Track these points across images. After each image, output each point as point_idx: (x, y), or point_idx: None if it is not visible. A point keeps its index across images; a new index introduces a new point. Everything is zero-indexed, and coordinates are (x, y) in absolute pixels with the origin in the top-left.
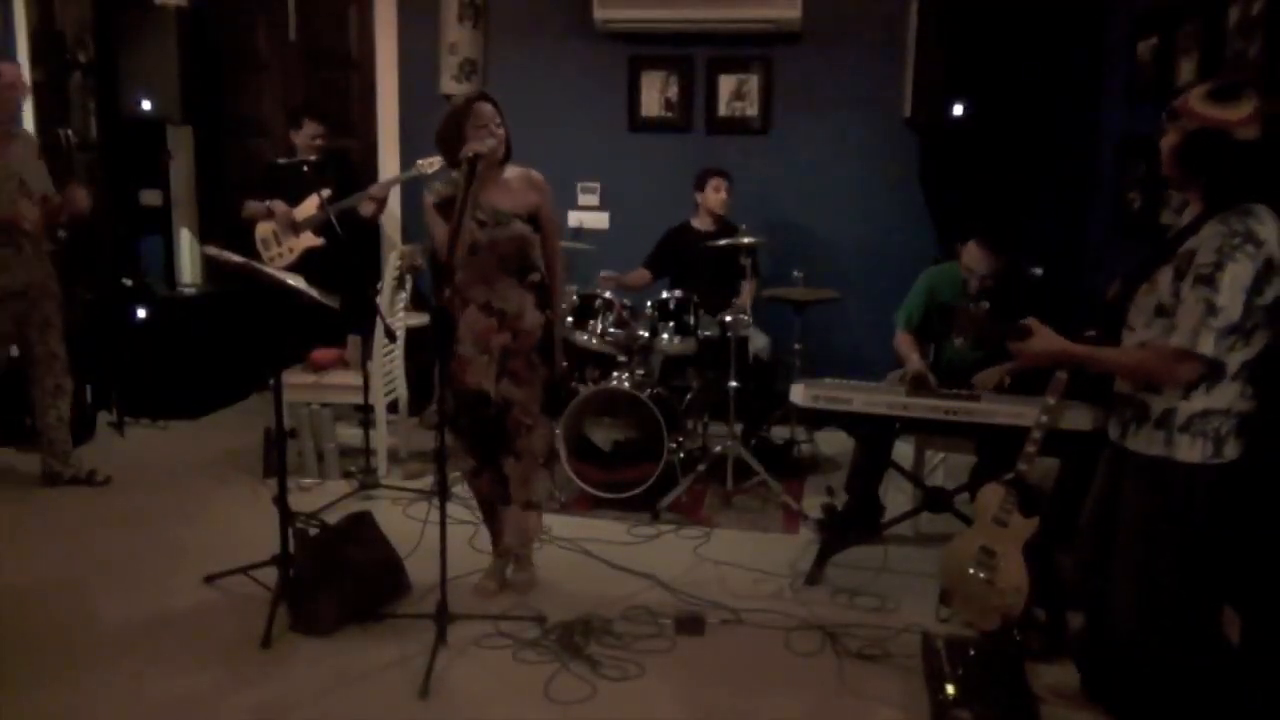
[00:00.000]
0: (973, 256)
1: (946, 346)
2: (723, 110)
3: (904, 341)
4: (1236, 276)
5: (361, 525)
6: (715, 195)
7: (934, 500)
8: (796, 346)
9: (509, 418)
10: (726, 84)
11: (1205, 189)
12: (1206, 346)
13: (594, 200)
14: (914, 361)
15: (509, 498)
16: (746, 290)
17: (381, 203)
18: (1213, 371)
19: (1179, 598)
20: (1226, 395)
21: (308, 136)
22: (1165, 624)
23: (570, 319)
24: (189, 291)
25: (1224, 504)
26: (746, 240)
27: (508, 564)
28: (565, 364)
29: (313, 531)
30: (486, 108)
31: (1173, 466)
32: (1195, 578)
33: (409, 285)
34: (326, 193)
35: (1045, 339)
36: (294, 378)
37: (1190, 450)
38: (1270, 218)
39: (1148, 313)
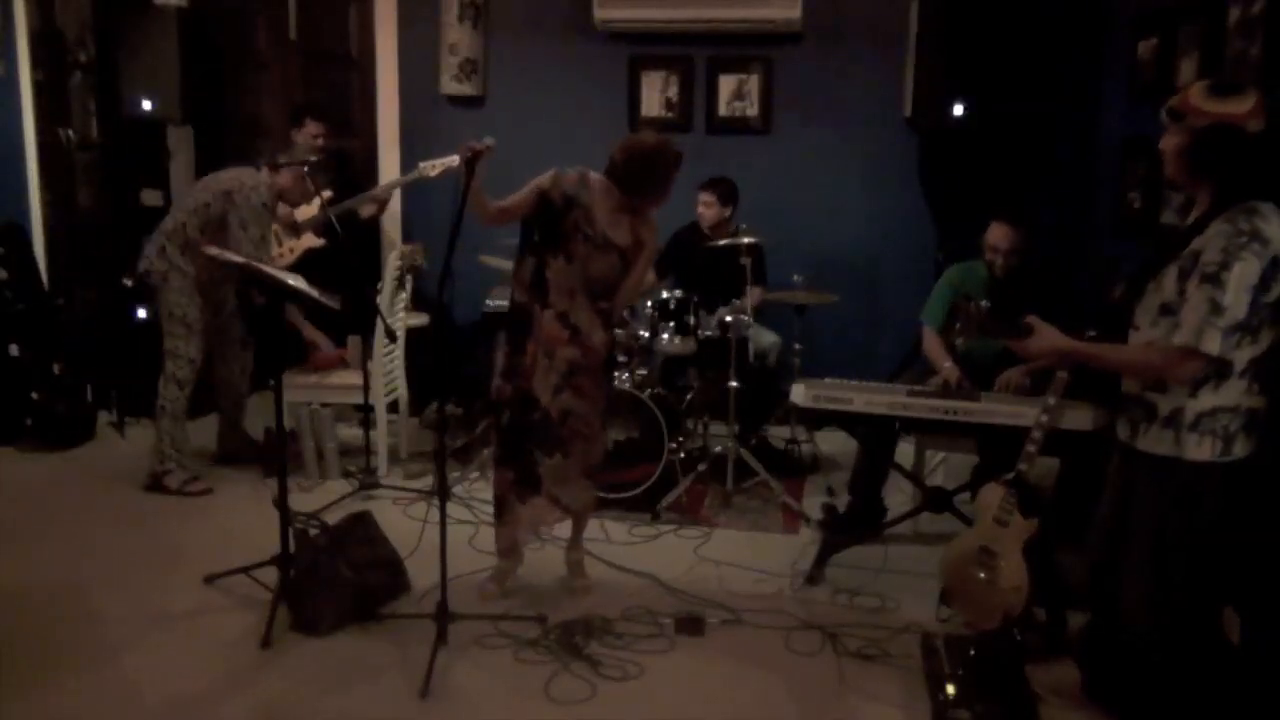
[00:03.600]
0: (995, 234)
1: (966, 341)
2: (723, 110)
3: (932, 342)
4: (1243, 276)
5: (361, 525)
6: (699, 210)
7: (934, 500)
8: (797, 347)
9: (565, 426)
10: (726, 84)
11: (1216, 185)
12: (1212, 345)
13: None
14: (947, 368)
15: (538, 489)
16: (753, 295)
17: (383, 204)
18: (1219, 369)
19: (1189, 597)
20: (1234, 392)
21: (309, 135)
22: (1175, 623)
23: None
24: None
25: (1235, 502)
26: (746, 240)
27: (515, 568)
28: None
29: (313, 531)
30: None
31: (1182, 466)
32: (1205, 576)
33: (409, 285)
34: (327, 194)
35: (1047, 337)
36: (294, 378)
37: (1199, 449)
38: (1276, 215)
39: (1153, 312)
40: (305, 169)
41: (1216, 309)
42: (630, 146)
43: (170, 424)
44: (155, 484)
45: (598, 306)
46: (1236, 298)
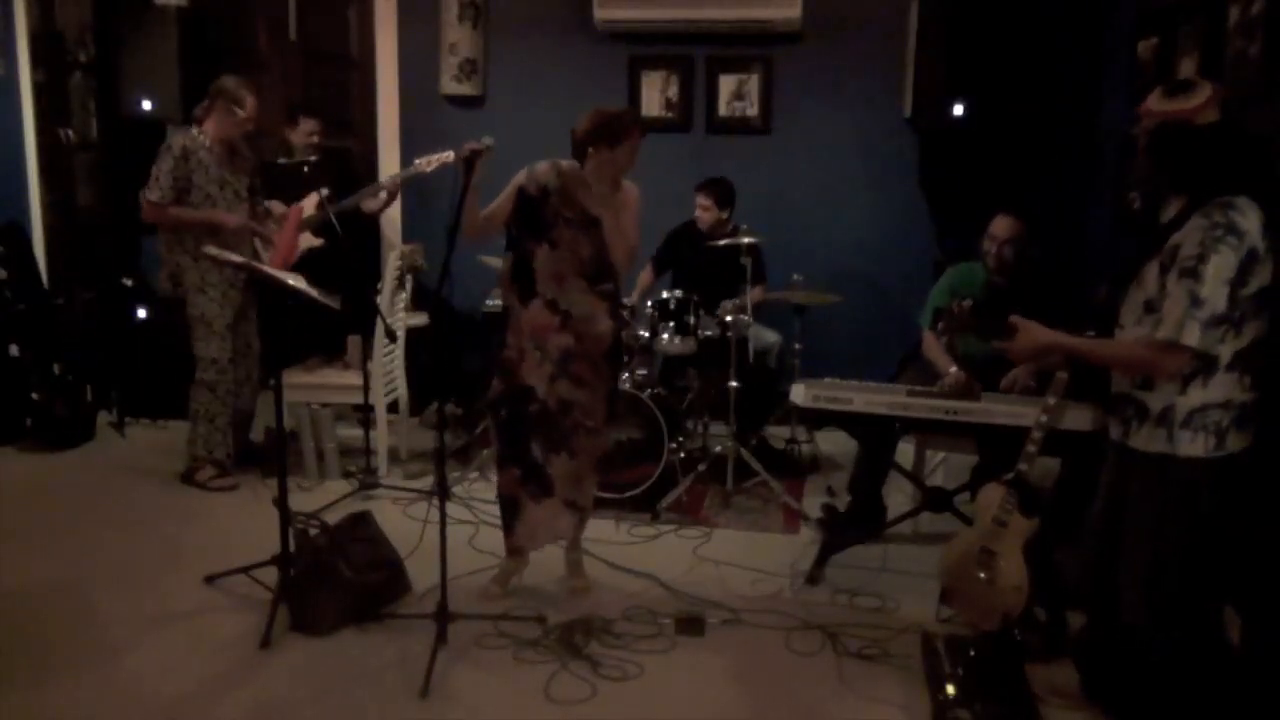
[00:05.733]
0: (997, 225)
1: (960, 342)
2: (723, 110)
3: (932, 344)
4: (1219, 268)
5: (361, 525)
6: (697, 212)
7: (934, 500)
8: (797, 347)
9: (567, 418)
10: (726, 84)
11: (1176, 181)
12: (1192, 338)
13: None
14: (954, 372)
15: (550, 491)
16: (753, 294)
17: (392, 195)
18: (1204, 364)
19: (1186, 595)
20: (1223, 387)
21: (304, 134)
22: (1173, 622)
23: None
24: None
25: (1229, 497)
26: (746, 240)
27: (521, 569)
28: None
29: (313, 531)
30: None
31: (1176, 463)
32: (1202, 574)
33: (409, 285)
34: (326, 192)
35: (1031, 334)
36: (294, 378)
37: (1192, 445)
38: (1252, 209)
39: (1138, 309)
40: (231, 106)
41: (1196, 301)
42: (588, 117)
43: (205, 428)
44: (189, 477)
45: (598, 290)
46: (1214, 290)
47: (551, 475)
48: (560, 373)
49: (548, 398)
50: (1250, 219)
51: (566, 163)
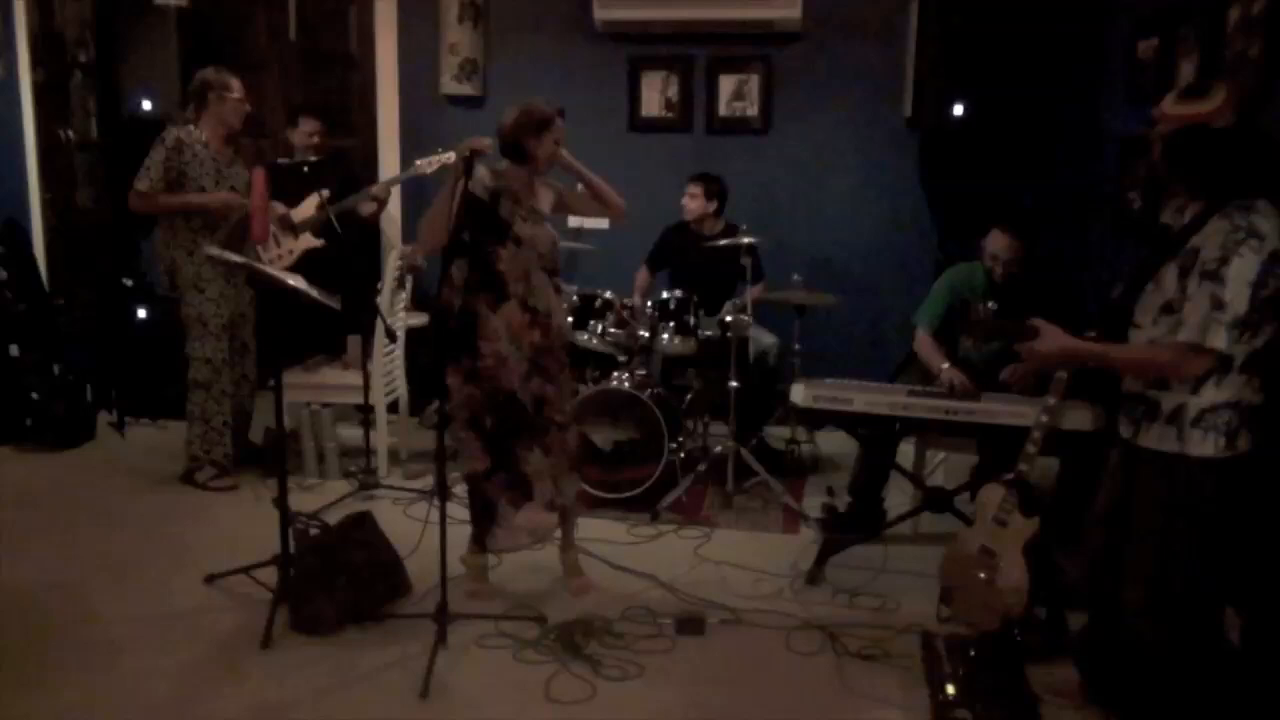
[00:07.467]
0: (997, 244)
1: (962, 344)
2: (723, 110)
3: (926, 344)
4: (1242, 271)
5: (361, 525)
6: (684, 200)
7: (934, 500)
8: (796, 347)
9: (541, 415)
10: (726, 84)
11: (1197, 185)
12: (1217, 341)
13: None
14: (949, 369)
15: (530, 496)
16: (753, 293)
17: (382, 202)
18: (1222, 364)
19: (1191, 595)
20: (1233, 388)
21: (305, 134)
22: (1177, 621)
23: (570, 319)
24: None
25: (1238, 497)
26: (746, 240)
27: (485, 559)
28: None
29: (313, 531)
30: (563, 126)
31: (1186, 462)
32: (1207, 574)
33: (409, 285)
34: (326, 193)
35: (1052, 338)
36: (294, 378)
37: (1202, 445)
38: (1272, 212)
39: (1154, 310)
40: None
41: (1219, 305)
42: (513, 111)
43: (201, 428)
44: (188, 478)
45: (555, 281)
46: (1238, 293)
47: (530, 477)
48: (533, 369)
49: (522, 395)
50: (1270, 222)
51: (504, 164)
